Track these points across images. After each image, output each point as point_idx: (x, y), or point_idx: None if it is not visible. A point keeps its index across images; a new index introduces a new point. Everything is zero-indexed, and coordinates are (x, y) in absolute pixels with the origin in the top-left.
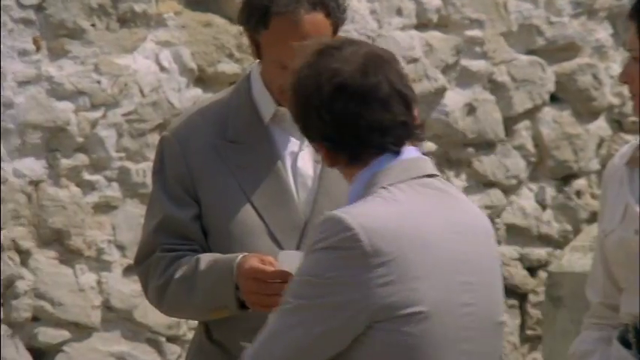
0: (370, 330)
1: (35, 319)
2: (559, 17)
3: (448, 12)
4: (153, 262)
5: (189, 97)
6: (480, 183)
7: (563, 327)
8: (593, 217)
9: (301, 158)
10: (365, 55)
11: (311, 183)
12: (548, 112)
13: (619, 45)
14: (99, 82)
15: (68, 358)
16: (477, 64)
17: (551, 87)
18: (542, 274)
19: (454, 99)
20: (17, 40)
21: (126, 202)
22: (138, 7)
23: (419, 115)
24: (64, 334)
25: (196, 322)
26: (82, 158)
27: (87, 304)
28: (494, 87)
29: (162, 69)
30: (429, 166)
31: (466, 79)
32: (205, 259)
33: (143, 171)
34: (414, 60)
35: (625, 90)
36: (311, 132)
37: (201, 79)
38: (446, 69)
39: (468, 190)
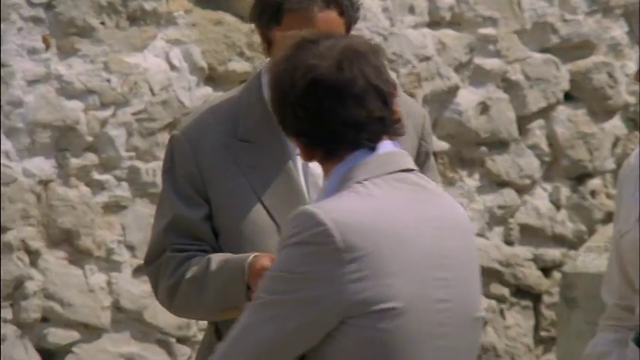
0: (343, 326)
1: (44, 319)
2: (574, 15)
3: (461, 10)
4: (163, 263)
5: (200, 96)
6: (494, 183)
7: (577, 328)
8: (608, 218)
9: None
10: (342, 49)
11: (322, 182)
12: (563, 111)
13: (634, 43)
14: (109, 80)
15: (78, 359)
16: (490, 63)
17: (565, 85)
18: (557, 275)
19: (467, 98)
20: (26, 39)
21: (136, 201)
22: (148, 5)
23: (398, 109)
24: (74, 334)
25: (206, 322)
26: (91, 158)
27: (96, 304)
28: (508, 85)
29: (173, 67)
30: (406, 160)
31: (479, 77)
32: (216, 259)
33: (153, 170)
34: (427, 58)
35: None
36: (287, 127)
37: (211, 78)
38: (459, 67)
39: (481, 190)
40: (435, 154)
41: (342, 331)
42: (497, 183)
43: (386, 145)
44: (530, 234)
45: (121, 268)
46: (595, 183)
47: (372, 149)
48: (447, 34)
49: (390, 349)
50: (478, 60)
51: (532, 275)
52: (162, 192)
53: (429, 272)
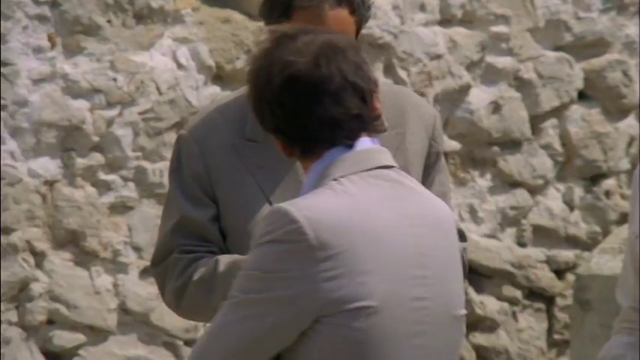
0: (318, 324)
1: (50, 322)
2: (588, 12)
3: (473, 7)
4: (170, 264)
5: (207, 95)
6: (506, 183)
7: (591, 331)
8: (622, 219)
9: None
10: (320, 45)
11: None
12: (577, 110)
13: None
14: (115, 79)
15: None
16: (502, 61)
17: (579, 84)
18: (570, 277)
19: (479, 97)
20: (32, 37)
21: (142, 202)
22: (154, 3)
23: (379, 105)
24: (80, 337)
25: None
26: (97, 158)
27: (103, 306)
28: (521, 84)
29: (180, 66)
30: (385, 157)
31: (491, 76)
32: (224, 260)
33: (160, 170)
34: (438, 57)
35: None
36: (265, 124)
37: (219, 77)
38: (470, 66)
39: (493, 191)
40: (447, 154)
41: (317, 330)
42: (510, 183)
43: (364, 142)
44: (543, 235)
45: (128, 269)
46: (609, 183)
47: (350, 146)
48: (459, 32)
49: (365, 348)
50: (490, 58)
51: (545, 277)
52: (169, 192)
53: (406, 270)
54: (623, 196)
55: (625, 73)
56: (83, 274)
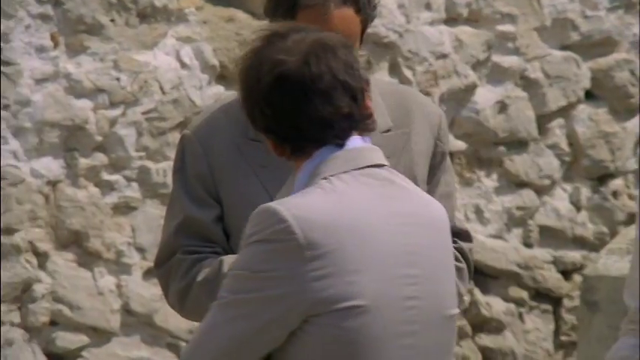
0: (307, 324)
1: (53, 323)
2: (595, 11)
3: (479, 6)
4: (174, 265)
5: (211, 95)
6: (512, 183)
7: (599, 333)
8: (630, 219)
9: None
10: (310, 44)
11: None
12: (584, 110)
13: None
14: (118, 79)
15: None
16: (508, 60)
17: (586, 83)
18: (577, 278)
19: (485, 96)
20: (34, 36)
21: (146, 202)
22: (158, 2)
23: (370, 103)
24: (83, 338)
25: None
26: (100, 158)
27: (106, 308)
28: (527, 84)
29: (183, 66)
30: (376, 155)
31: (497, 75)
32: (228, 261)
33: (163, 171)
34: (444, 56)
35: None
36: (255, 123)
37: (223, 76)
38: (476, 65)
39: (499, 191)
40: (452, 154)
41: (306, 330)
42: (516, 183)
43: (355, 141)
44: (550, 236)
45: (131, 270)
46: (617, 183)
47: (340, 145)
48: (465, 31)
49: (354, 348)
50: (496, 57)
51: (552, 278)
52: (172, 192)
53: (395, 269)
54: (630, 197)
55: (632, 73)
56: (86, 274)
